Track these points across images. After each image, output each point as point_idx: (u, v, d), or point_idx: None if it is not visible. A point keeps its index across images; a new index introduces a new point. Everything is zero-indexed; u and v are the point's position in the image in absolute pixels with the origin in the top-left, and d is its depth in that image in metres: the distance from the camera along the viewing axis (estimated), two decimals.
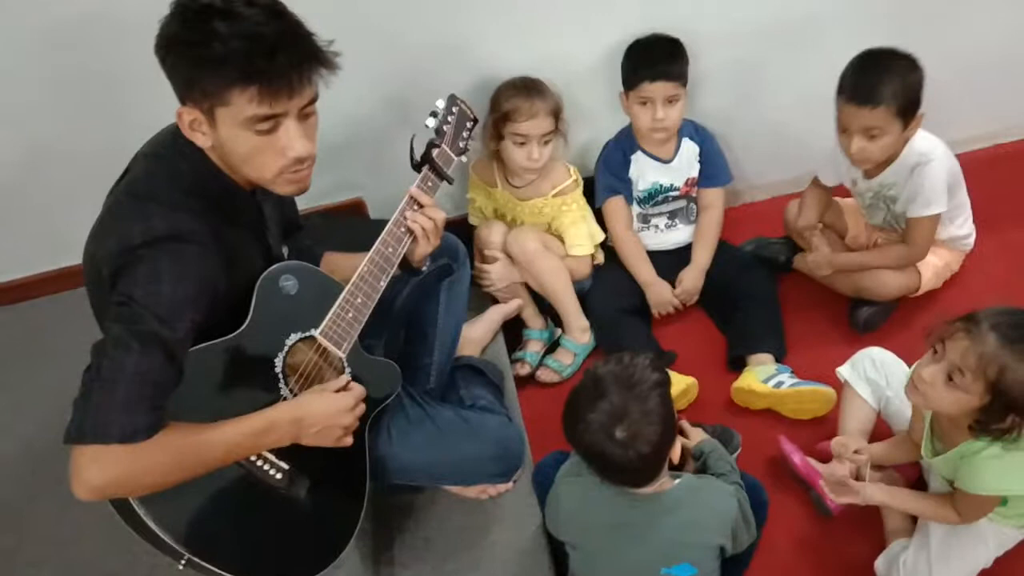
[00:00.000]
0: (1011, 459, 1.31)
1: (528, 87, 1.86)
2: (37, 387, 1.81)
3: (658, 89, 1.87)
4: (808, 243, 2.04)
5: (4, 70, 1.72)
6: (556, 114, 1.89)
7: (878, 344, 1.72)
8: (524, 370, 2.02)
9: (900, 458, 1.60)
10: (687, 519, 1.31)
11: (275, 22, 1.08)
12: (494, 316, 2.01)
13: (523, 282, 2.07)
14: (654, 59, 1.88)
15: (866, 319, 1.97)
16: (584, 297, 2.09)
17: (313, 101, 1.15)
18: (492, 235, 2.05)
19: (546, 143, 1.90)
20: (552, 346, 2.09)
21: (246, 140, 1.12)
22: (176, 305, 1.08)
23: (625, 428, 1.20)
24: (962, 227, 2.00)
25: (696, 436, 1.56)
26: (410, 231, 1.42)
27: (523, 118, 1.84)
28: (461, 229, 2.11)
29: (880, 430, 1.68)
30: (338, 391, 1.28)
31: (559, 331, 2.10)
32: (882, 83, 1.68)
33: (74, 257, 1.99)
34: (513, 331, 2.09)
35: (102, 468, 1.02)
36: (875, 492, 1.48)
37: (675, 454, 1.30)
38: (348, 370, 1.36)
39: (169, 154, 1.20)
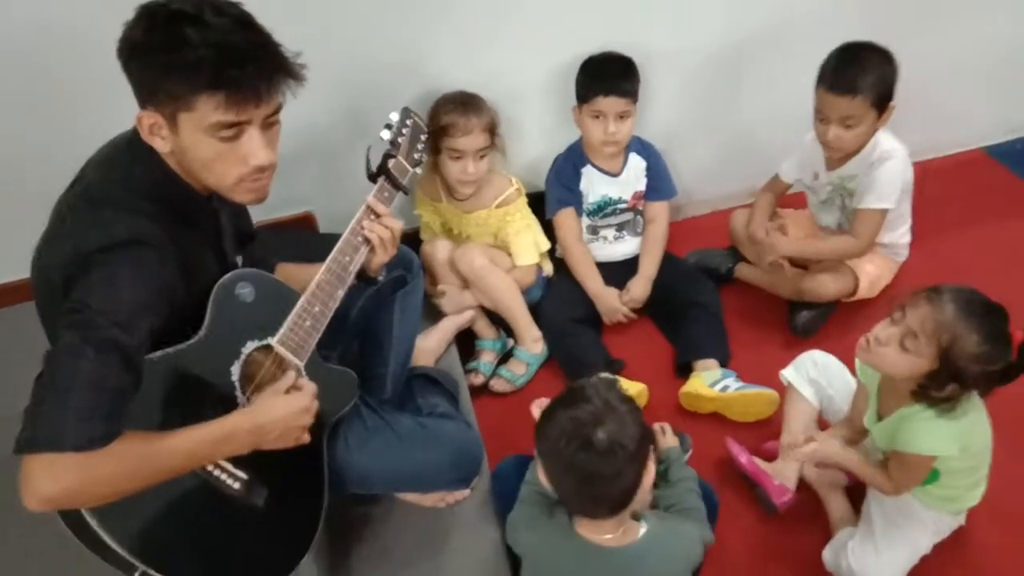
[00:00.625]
0: (944, 423, 1.38)
1: (465, 103, 1.90)
2: None
3: (611, 104, 1.94)
4: (758, 249, 2.11)
5: None
6: (491, 130, 1.93)
7: (816, 347, 1.79)
8: (478, 380, 2.04)
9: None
10: (654, 569, 1.28)
11: (245, 32, 1.09)
12: (447, 326, 2.03)
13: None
14: (608, 75, 1.95)
15: (804, 323, 2.06)
16: (536, 308, 2.13)
17: (277, 111, 1.16)
18: (436, 252, 2.07)
19: (481, 158, 1.93)
20: (505, 356, 2.11)
21: (208, 146, 1.12)
22: (135, 310, 1.06)
23: (605, 429, 1.16)
24: (904, 236, 2.12)
25: (670, 441, 1.57)
26: (367, 240, 1.42)
27: (459, 133, 1.88)
28: (414, 242, 2.14)
29: (822, 429, 1.75)
30: (288, 390, 1.26)
31: (511, 341, 2.13)
32: (860, 75, 1.78)
33: (18, 271, 1.98)
34: (466, 342, 2.11)
35: (55, 478, 0.99)
36: (829, 446, 1.55)
37: (647, 481, 1.23)
38: (300, 378, 1.35)
39: (124, 160, 1.18)
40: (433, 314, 2.08)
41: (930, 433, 1.39)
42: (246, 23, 1.10)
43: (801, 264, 2.13)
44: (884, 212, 1.95)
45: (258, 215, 1.89)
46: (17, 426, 1.00)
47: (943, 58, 2.35)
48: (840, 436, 1.65)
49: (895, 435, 1.45)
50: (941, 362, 1.33)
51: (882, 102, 1.83)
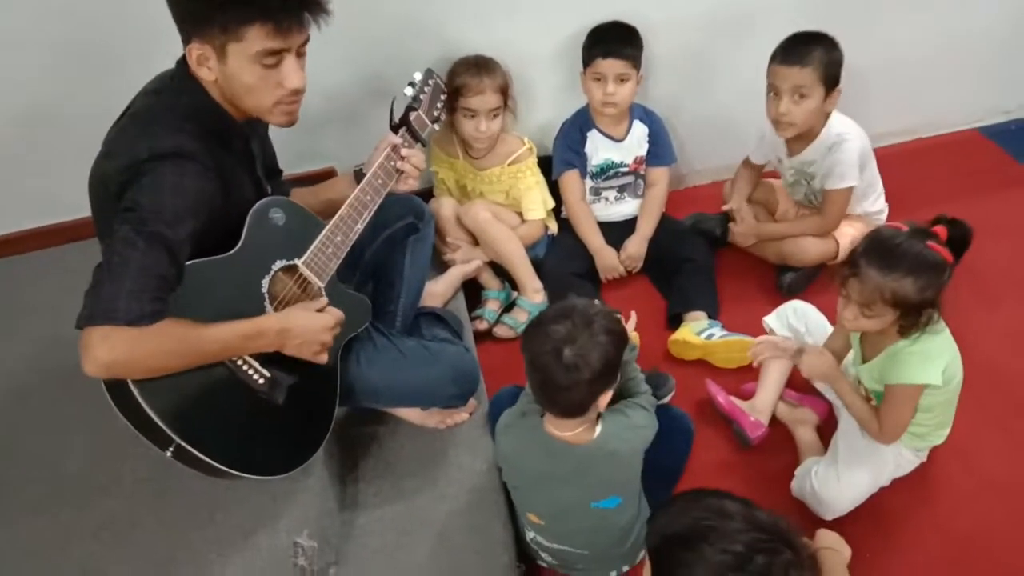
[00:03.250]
0: (926, 343, 1.49)
1: (479, 65, 2.04)
2: (19, 332, 1.92)
3: (610, 66, 2.07)
4: (738, 218, 2.25)
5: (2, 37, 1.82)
6: (503, 91, 2.07)
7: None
8: (482, 326, 2.18)
9: None
10: (607, 463, 1.43)
11: None
12: (455, 274, 2.18)
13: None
14: (609, 39, 2.08)
15: (790, 283, 2.18)
16: (539, 262, 2.27)
17: (307, 41, 1.33)
18: (442, 208, 2.22)
19: (494, 117, 2.08)
20: (509, 306, 2.26)
21: (252, 73, 1.29)
22: (178, 211, 1.23)
23: (572, 350, 1.29)
24: (875, 203, 2.23)
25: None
26: (398, 172, 1.60)
27: (472, 93, 2.02)
28: (426, 199, 2.29)
29: (797, 374, 1.86)
30: (319, 311, 1.44)
31: (515, 293, 2.27)
32: (810, 49, 1.92)
33: (63, 214, 2.16)
34: (473, 295, 2.26)
35: (110, 347, 1.16)
36: (829, 363, 1.62)
37: (603, 402, 1.38)
38: (326, 299, 1.51)
39: (170, 89, 1.36)
40: (444, 267, 2.23)
41: (917, 364, 1.49)
42: None
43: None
44: (849, 190, 2.08)
45: (285, 168, 2.06)
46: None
47: (940, 38, 2.45)
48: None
49: (884, 371, 1.54)
50: (900, 309, 1.44)
51: (830, 81, 1.95)
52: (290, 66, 1.31)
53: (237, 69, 1.29)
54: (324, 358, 1.46)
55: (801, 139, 2.08)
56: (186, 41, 1.29)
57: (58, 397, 1.71)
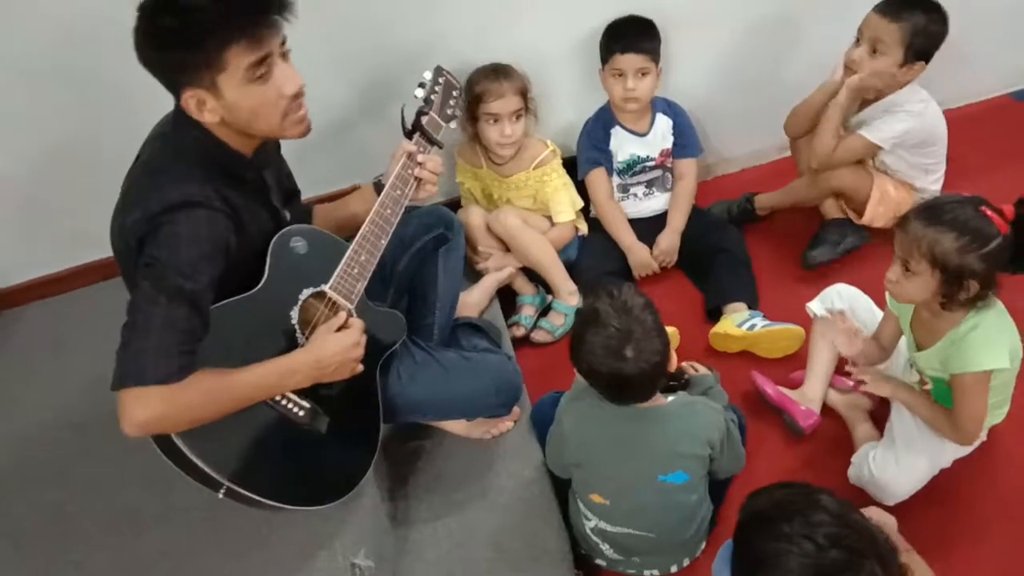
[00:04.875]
0: (987, 326, 1.44)
1: (496, 70, 2.04)
2: (70, 370, 1.94)
3: (629, 61, 2.05)
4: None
5: (25, 76, 1.84)
6: (523, 93, 2.06)
7: (840, 280, 1.87)
8: (520, 332, 2.17)
9: (872, 360, 1.72)
10: (680, 429, 1.45)
11: None
12: (489, 283, 2.17)
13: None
14: (626, 34, 2.07)
15: (814, 260, 2.19)
16: (572, 264, 2.26)
17: (284, 41, 1.31)
18: (471, 217, 2.21)
19: (517, 119, 2.07)
20: (545, 310, 2.25)
21: (250, 94, 1.27)
22: (194, 261, 1.23)
23: (633, 347, 1.33)
24: (935, 183, 2.18)
25: (703, 371, 1.74)
26: (416, 180, 1.58)
27: (492, 98, 2.01)
28: (454, 209, 2.28)
29: (846, 360, 1.83)
30: (339, 329, 1.43)
31: (550, 297, 2.26)
32: (908, 10, 1.88)
33: (94, 253, 2.19)
34: (508, 302, 2.25)
35: (145, 408, 1.17)
36: (887, 384, 1.60)
37: (672, 364, 1.44)
38: (344, 312, 1.48)
39: (173, 133, 1.35)
40: (477, 276, 2.22)
41: (983, 348, 1.44)
42: None
43: None
44: (868, 145, 2.03)
45: (311, 191, 2.06)
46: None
47: (968, 6, 2.39)
48: (866, 352, 1.70)
49: (948, 360, 1.49)
50: (940, 270, 1.39)
51: (914, 49, 1.90)
52: (281, 71, 1.30)
53: (236, 97, 1.28)
54: (360, 368, 1.46)
55: (867, 101, 2.04)
56: (178, 93, 1.29)
57: (112, 429, 1.70)
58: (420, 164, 1.59)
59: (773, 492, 1.05)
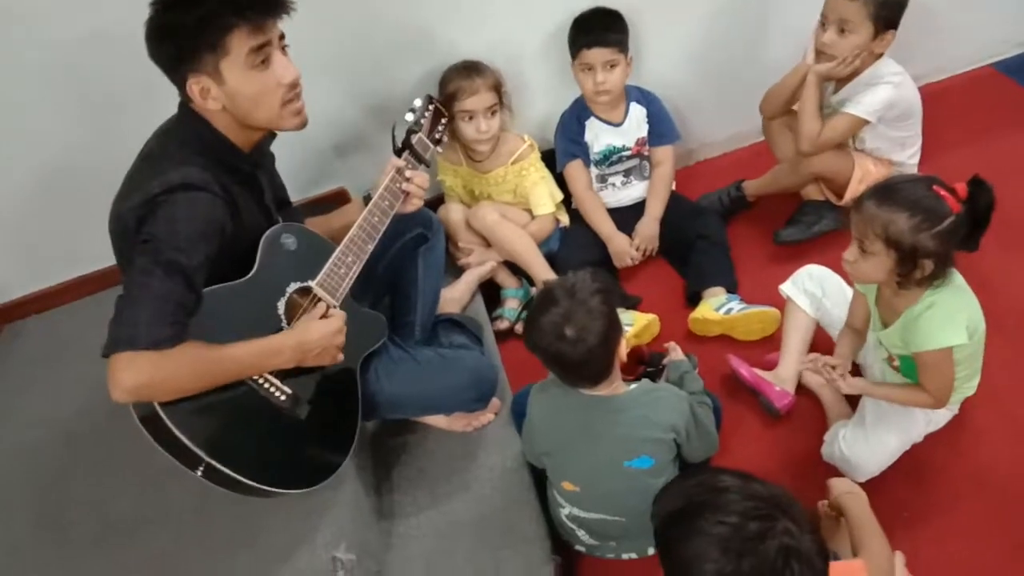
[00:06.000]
0: (942, 308, 1.46)
1: (468, 68, 2.07)
2: (66, 382, 2.00)
3: (596, 55, 2.07)
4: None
5: (19, 98, 1.90)
6: (497, 88, 2.10)
7: (817, 260, 1.89)
8: (503, 325, 2.21)
9: (854, 350, 1.73)
10: (641, 415, 1.49)
11: None
12: (470, 278, 2.21)
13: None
14: (592, 27, 2.08)
15: (785, 237, 2.24)
16: (553, 256, 2.29)
17: (283, 36, 1.41)
18: (450, 213, 2.26)
19: (492, 115, 2.10)
20: (528, 303, 2.27)
21: (251, 80, 1.36)
22: (192, 239, 1.30)
23: (572, 327, 1.37)
24: (912, 157, 2.19)
25: (679, 356, 1.77)
26: (403, 193, 1.67)
27: (466, 95, 2.05)
28: (435, 208, 2.32)
29: (818, 337, 1.85)
30: (322, 317, 1.48)
31: (534, 289, 2.29)
32: None
33: (89, 265, 2.25)
34: (492, 296, 2.28)
35: (135, 372, 1.22)
36: (856, 382, 1.61)
37: (622, 352, 1.47)
38: (324, 304, 1.53)
39: (176, 127, 1.44)
40: (459, 272, 2.26)
41: (938, 326, 1.46)
42: None
43: None
44: (856, 121, 2.03)
45: (298, 194, 2.11)
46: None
47: None
48: (846, 346, 1.71)
49: (907, 339, 1.52)
50: (894, 249, 1.41)
51: (882, 20, 1.90)
52: (279, 61, 1.39)
53: (237, 83, 1.36)
54: (340, 357, 1.52)
55: (846, 78, 2.05)
56: (182, 82, 1.36)
57: (104, 439, 1.78)
58: (408, 179, 1.66)
59: (678, 489, 1.09)
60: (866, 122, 2.02)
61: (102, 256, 2.07)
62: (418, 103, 1.82)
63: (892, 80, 2.00)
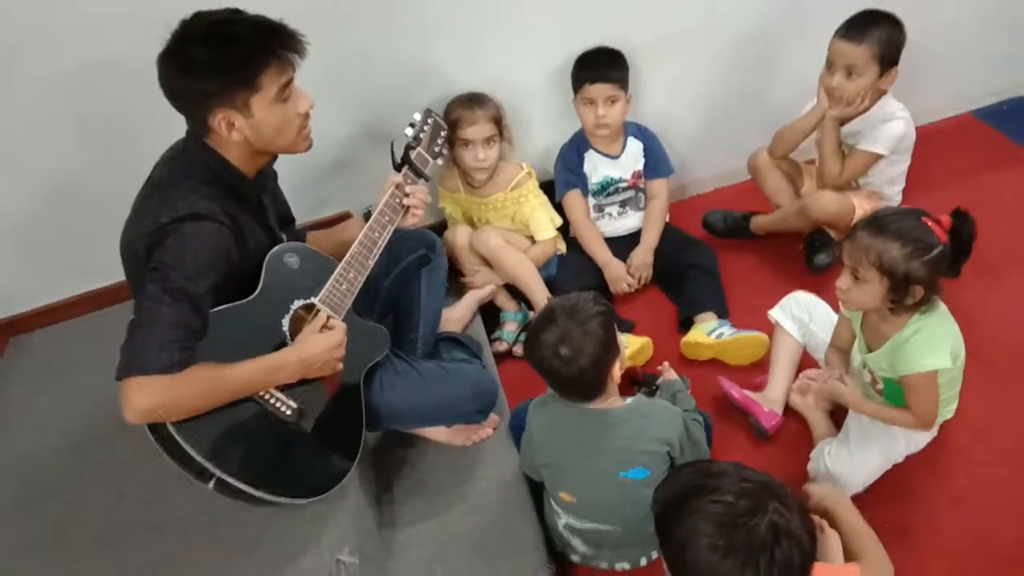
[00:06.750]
0: (929, 334, 1.55)
1: (471, 99, 2.18)
2: (73, 392, 2.05)
3: (598, 90, 2.18)
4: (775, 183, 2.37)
5: (30, 113, 1.96)
6: (497, 120, 2.20)
7: (824, 286, 1.98)
8: (502, 347, 2.28)
9: (839, 364, 1.81)
10: (636, 428, 1.55)
11: (247, 17, 1.42)
12: (471, 300, 2.29)
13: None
14: (595, 64, 2.20)
15: (821, 264, 2.30)
16: (551, 281, 2.37)
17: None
18: (456, 237, 2.34)
19: (491, 145, 2.19)
20: (526, 326, 2.35)
21: (276, 112, 1.45)
22: (199, 267, 1.36)
23: (568, 347, 1.44)
24: (898, 193, 2.30)
25: (672, 376, 1.87)
26: (404, 208, 1.73)
27: (466, 124, 2.15)
28: (439, 232, 2.40)
29: (805, 361, 1.93)
30: (321, 330, 1.54)
31: (532, 313, 2.36)
32: (870, 27, 2.00)
33: (97, 280, 2.31)
34: (491, 319, 2.35)
35: (147, 395, 1.29)
36: (850, 390, 1.69)
37: (616, 373, 1.54)
38: (323, 315, 1.59)
39: (183, 156, 1.50)
40: (461, 293, 2.33)
41: (925, 351, 1.55)
42: (239, 12, 1.43)
43: None
44: (874, 157, 2.13)
45: (304, 217, 2.18)
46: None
47: (930, 25, 2.49)
48: (834, 365, 1.80)
49: (894, 362, 1.60)
50: (887, 276, 1.50)
51: (886, 60, 2.02)
52: (297, 93, 1.49)
53: (264, 116, 1.44)
54: (340, 366, 1.58)
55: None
56: (205, 119, 1.43)
57: (110, 447, 1.82)
58: (407, 195, 1.72)
59: (676, 477, 1.16)
60: (881, 156, 2.13)
61: (109, 272, 2.15)
62: (417, 117, 1.86)
63: (902, 115, 2.12)
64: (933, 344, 1.55)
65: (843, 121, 2.16)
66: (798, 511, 1.06)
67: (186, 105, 1.44)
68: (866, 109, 2.12)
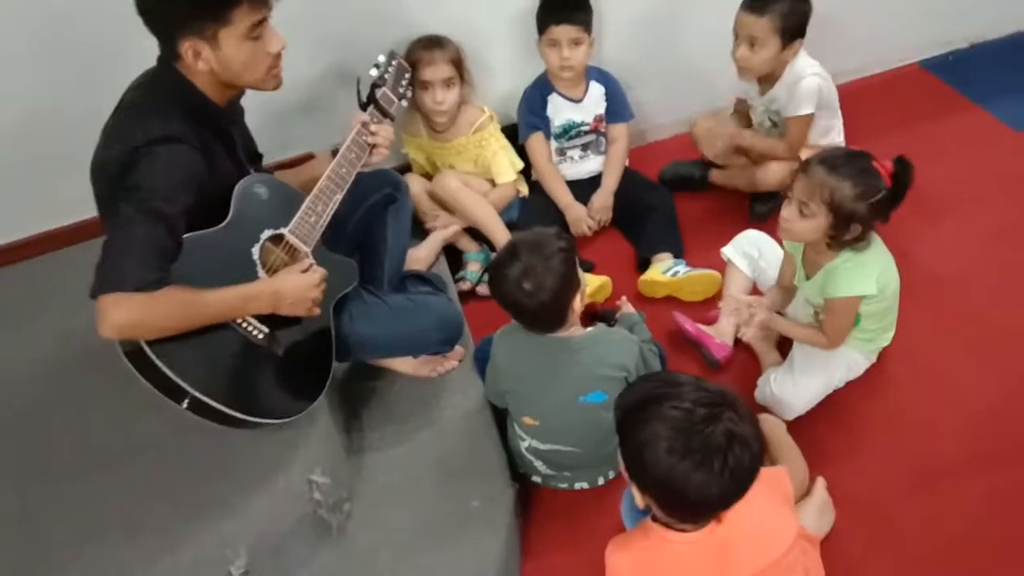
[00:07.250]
0: (858, 262, 1.65)
1: (429, 41, 2.20)
2: (42, 326, 2.04)
3: (563, 32, 2.21)
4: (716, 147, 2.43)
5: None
6: (456, 62, 2.22)
7: (765, 231, 2.07)
8: (465, 286, 2.34)
9: (777, 304, 1.92)
10: (594, 354, 1.63)
11: None
12: (435, 240, 2.34)
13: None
14: (560, 6, 2.23)
15: (760, 212, 2.37)
16: (513, 224, 2.42)
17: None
18: (412, 186, 2.31)
19: (449, 87, 2.22)
20: (489, 266, 2.41)
21: (245, 49, 1.47)
22: (173, 188, 1.40)
23: (530, 281, 1.51)
24: (834, 140, 2.38)
25: (630, 309, 1.95)
26: (370, 146, 1.76)
27: (424, 65, 2.17)
28: (403, 173, 2.43)
29: (758, 296, 2.03)
30: (304, 271, 1.59)
31: (494, 254, 2.42)
32: (772, 1, 2.05)
33: (66, 218, 2.29)
34: (454, 260, 2.40)
35: (123, 311, 1.32)
36: (770, 317, 1.82)
37: (577, 306, 1.60)
38: (313, 263, 1.66)
39: (154, 82, 1.52)
40: (425, 235, 2.37)
41: (853, 277, 1.66)
42: None
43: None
44: (807, 118, 2.22)
45: (269, 156, 2.19)
46: None
47: None
48: (772, 298, 1.91)
49: (824, 287, 1.70)
50: (833, 213, 1.59)
51: (788, 33, 2.09)
52: (270, 33, 1.50)
53: (232, 51, 1.46)
54: (316, 311, 1.62)
55: (767, 80, 2.24)
56: (174, 44, 1.45)
57: (84, 374, 1.83)
58: (373, 133, 1.76)
59: (639, 386, 1.25)
60: (811, 115, 2.22)
61: (76, 208, 2.15)
62: (381, 59, 1.89)
63: (812, 71, 2.19)
64: (860, 271, 1.66)
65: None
66: (750, 420, 1.15)
67: (155, 26, 1.45)
68: (772, 75, 2.19)
